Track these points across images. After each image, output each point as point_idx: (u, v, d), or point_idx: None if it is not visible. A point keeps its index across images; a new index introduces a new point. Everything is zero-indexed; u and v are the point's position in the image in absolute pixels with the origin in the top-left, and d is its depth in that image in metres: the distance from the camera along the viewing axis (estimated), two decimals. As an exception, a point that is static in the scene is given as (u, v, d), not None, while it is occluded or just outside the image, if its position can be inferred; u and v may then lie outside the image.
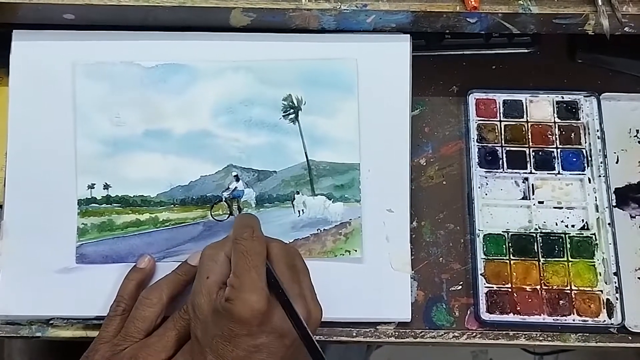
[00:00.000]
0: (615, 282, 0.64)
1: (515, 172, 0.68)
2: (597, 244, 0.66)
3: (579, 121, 0.70)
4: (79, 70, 0.65)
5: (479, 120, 0.70)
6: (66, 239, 0.63)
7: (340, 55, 0.66)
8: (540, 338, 0.64)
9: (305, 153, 0.66)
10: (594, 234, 0.66)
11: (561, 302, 0.64)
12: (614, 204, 0.67)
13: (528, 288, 0.64)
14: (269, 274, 0.54)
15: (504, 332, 0.64)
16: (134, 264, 0.63)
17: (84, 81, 0.65)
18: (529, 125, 0.70)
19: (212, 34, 0.65)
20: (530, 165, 0.68)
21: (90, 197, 0.64)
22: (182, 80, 0.65)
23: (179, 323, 0.57)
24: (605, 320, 0.63)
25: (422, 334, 0.64)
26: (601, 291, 0.64)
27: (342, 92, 0.66)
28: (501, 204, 0.68)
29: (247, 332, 0.51)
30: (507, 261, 0.65)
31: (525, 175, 0.68)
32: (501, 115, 0.70)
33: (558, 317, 0.63)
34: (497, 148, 0.69)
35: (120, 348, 0.57)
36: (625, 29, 0.62)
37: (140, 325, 0.58)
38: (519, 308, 0.64)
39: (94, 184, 0.64)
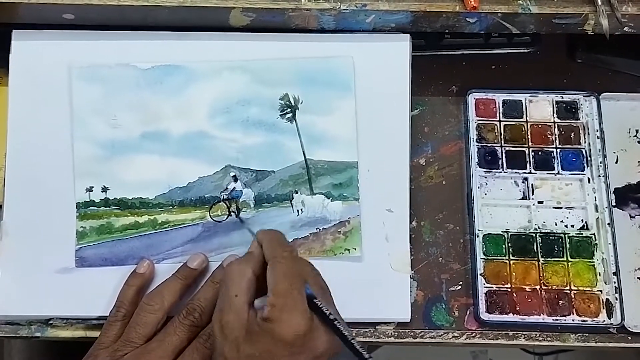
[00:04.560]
0: (614, 282, 0.64)
1: (515, 172, 0.68)
2: (596, 244, 0.66)
3: (579, 121, 0.70)
4: (76, 72, 0.64)
5: (478, 120, 0.70)
6: (65, 242, 0.63)
7: (339, 54, 0.66)
8: (540, 338, 0.64)
9: (303, 152, 0.65)
10: (594, 234, 0.66)
11: (561, 302, 0.64)
12: (614, 204, 0.67)
13: (527, 288, 0.64)
14: (308, 295, 0.52)
15: (504, 332, 0.64)
16: (134, 266, 0.63)
17: (80, 84, 0.64)
18: (529, 125, 0.70)
19: (207, 33, 0.65)
20: (530, 165, 0.68)
21: (88, 200, 0.64)
22: (178, 82, 0.65)
23: (179, 328, 0.57)
24: (604, 321, 0.63)
25: (422, 334, 0.64)
26: (601, 291, 0.64)
27: (339, 90, 0.66)
28: (501, 204, 0.67)
29: (288, 353, 0.50)
30: (507, 261, 0.65)
31: (525, 175, 0.68)
32: (501, 115, 0.70)
33: (557, 317, 0.63)
34: (496, 148, 0.69)
35: (120, 354, 0.57)
36: (624, 29, 0.62)
37: (142, 331, 0.58)
38: (518, 308, 0.64)
39: (92, 187, 0.64)
